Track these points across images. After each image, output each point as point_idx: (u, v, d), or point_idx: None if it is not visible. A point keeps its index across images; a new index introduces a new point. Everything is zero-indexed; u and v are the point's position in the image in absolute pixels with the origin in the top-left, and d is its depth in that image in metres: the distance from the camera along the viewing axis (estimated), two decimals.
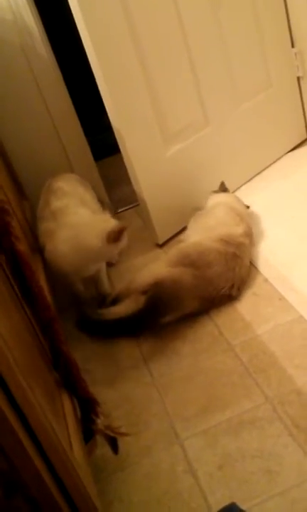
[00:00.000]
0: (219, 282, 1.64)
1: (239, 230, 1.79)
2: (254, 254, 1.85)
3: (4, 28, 2.17)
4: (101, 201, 2.11)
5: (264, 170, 2.42)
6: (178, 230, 2.12)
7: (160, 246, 2.11)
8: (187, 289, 1.62)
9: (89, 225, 1.73)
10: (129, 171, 2.00)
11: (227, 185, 2.23)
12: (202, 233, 1.82)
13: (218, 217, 1.88)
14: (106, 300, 1.84)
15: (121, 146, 1.95)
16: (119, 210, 2.47)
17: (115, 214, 2.41)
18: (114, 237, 1.64)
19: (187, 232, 1.95)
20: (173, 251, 1.79)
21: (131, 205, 2.45)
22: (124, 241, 1.68)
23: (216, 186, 2.11)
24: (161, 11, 1.93)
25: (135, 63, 1.87)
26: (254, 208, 2.12)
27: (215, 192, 2.05)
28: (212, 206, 1.97)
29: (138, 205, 2.27)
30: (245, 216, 1.91)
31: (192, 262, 1.66)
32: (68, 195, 1.88)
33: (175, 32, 1.98)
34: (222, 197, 2.01)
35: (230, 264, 1.67)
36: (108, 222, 1.71)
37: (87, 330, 1.74)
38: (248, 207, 2.04)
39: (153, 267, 1.72)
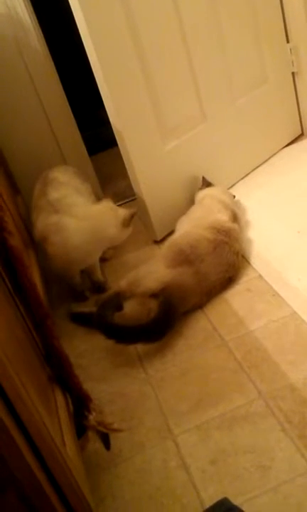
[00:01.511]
0: (213, 273, 1.68)
1: (224, 216, 1.84)
2: (248, 249, 1.86)
3: None
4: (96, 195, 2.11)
5: (259, 165, 2.41)
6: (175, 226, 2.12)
7: (158, 242, 2.10)
8: (190, 289, 1.64)
9: (101, 214, 1.80)
10: (127, 166, 1.99)
11: (224, 180, 2.24)
12: (191, 223, 1.87)
13: (204, 208, 1.94)
14: (103, 287, 1.89)
15: (119, 142, 1.95)
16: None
17: None
18: (128, 222, 1.80)
19: (177, 226, 1.96)
20: (166, 245, 1.81)
21: (125, 200, 2.44)
22: (131, 227, 1.83)
23: (212, 181, 2.11)
24: (160, 7, 1.92)
25: (134, 59, 1.86)
26: (248, 204, 2.12)
27: (200, 189, 2.08)
28: (198, 201, 2.02)
29: (133, 199, 2.26)
30: (230, 204, 1.96)
31: (187, 257, 1.67)
32: (64, 186, 1.88)
33: (174, 29, 1.97)
34: (206, 190, 2.05)
35: (218, 251, 1.71)
36: (115, 209, 1.81)
37: (83, 323, 1.75)
38: (233, 196, 2.09)
39: (154, 268, 1.70)
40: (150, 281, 1.64)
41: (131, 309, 1.64)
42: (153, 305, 1.59)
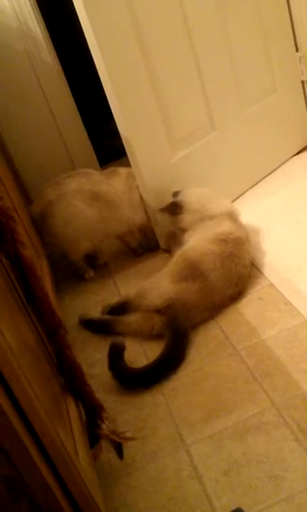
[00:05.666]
0: (220, 287, 1.65)
1: (229, 226, 1.78)
2: (259, 258, 1.85)
3: (10, 35, 2.20)
4: None
5: (269, 174, 2.42)
6: None
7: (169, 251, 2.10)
8: (196, 305, 1.62)
9: None
10: (137, 176, 2.01)
11: (234, 189, 2.24)
12: (201, 232, 1.80)
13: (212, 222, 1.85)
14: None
15: (128, 153, 1.96)
16: None
17: None
18: None
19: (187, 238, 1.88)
20: (174, 259, 1.76)
21: None
22: None
23: (223, 190, 2.10)
24: (168, 18, 1.94)
25: (142, 69, 1.88)
26: (259, 213, 2.12)
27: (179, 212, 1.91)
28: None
29: None
30: (220, 208, 1.89)
31: (192, 272, 1.65)
32: None
33: (182, 39, 2.00)
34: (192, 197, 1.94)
35: (226, 264, 1.67)
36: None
37: (93, 330, 1.77)
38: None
39: (160, 283, 1.68)
40: (154, 296, 1.64)
41: (135, 321, 1.66)
42: (157, 321, 1.61)
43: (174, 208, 1.90)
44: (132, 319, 1.68)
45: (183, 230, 1.89)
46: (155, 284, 1.70)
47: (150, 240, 2.14)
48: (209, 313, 1.66)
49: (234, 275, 1.68)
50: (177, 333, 1.57)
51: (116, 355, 1.52)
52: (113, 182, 2.02)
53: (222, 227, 1.78)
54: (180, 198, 1.93)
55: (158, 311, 1.61)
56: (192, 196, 1.92)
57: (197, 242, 1.77)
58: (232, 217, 1.85)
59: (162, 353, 1.52)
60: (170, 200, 1.93)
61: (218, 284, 1.65)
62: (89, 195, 1.97)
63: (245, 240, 1.78)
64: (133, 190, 2.02)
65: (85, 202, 1.96)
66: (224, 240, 1.73)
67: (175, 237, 1.97)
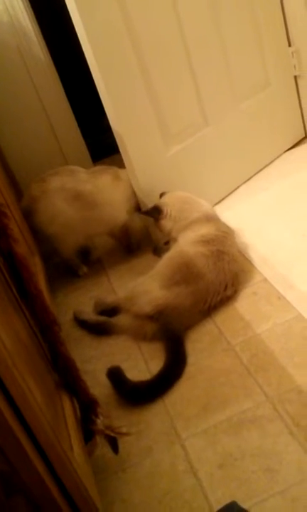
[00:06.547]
0: (214, 289, 1.64)
1: (211, 227, 1.78)
2: (253, 253, 1.86)
3: (1, 30, 2.18)
4: None
5: (262, 169, 2.42)
6: None
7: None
8: (188, 310, 1.60)
9: None
10: (129, 172, 2.00)
11: (227, 184, 2.23)
12: (184, 237, 1.79)
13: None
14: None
15: (121, 148, 1.95)
16: None
17: None
18: None
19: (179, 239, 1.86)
20: (162, 262, 1.74)
21: None
22: None
23: (216, 186, 2.10)
24: (160, 13, 1.93)
25: (133, 65, 1.87)
26: (252, 207, 2.12)
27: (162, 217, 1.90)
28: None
29: None
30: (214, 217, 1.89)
31: (183, 276, 1.62)
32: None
33: (174, 33, 1.99)
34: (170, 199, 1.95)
35: (219, 265, 1.65)
36: None
37: (88, 330, 1.76)
38: None
39: (149, 287, 1.66)
40: (143, 302, 1.62)
41: (128, 329, 1.66)
42: (149, 329, 1.60)
43: (154, 213, 1.90)
44: (125, 326, 1.67)
45: (166, 235, 1.90)
46: (145, 287, 1.67)
47: (145, 236, 2.14)
48: (202, 315, 1.64)
49: (228, 275, 1.66)
50: (173, 341, 1.55)
51: (118, 379, 1.47)
52: (97, 181, 1.99)
53: (201, 231, 1.76)
54: (161, 202, 1.93)
55: (150, 317, 1.60)
56: (171, 202, 1.91)
57: (183, 246, 1.74)
58: (208, 217, 1.84)
59: (165, 365, 1.49)
60: (157, 201, 1.93)
61: (213, 286, 1.63)
62: (71, 194, 1.94)
63: (226, 234, 1.77)
64: (117, 190, 1.99)
65: (66, 201, 1.93)
66: (207, 241, 1.71)
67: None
